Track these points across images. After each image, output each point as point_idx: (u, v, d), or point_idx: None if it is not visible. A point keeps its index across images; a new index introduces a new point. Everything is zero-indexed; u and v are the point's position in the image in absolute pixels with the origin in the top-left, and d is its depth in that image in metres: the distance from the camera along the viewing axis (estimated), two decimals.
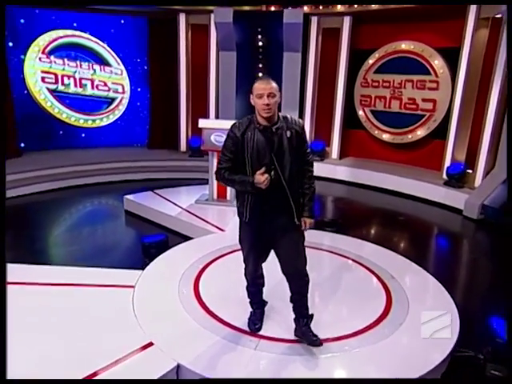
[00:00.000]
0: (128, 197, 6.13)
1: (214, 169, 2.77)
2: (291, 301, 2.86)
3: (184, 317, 3.16)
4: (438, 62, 7.33)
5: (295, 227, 2.70)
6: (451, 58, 7.10)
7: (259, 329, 2.99)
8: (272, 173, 2.52)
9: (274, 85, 2.52)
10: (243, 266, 2.92)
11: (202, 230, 4.99)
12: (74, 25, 8.50)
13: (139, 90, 9.30)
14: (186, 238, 4.91)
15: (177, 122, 9.06)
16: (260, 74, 2.63)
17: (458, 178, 6.89)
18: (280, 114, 2.62)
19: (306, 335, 2.79)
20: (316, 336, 2.76)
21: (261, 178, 2.47)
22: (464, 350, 2.99)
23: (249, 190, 2.56)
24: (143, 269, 3.84)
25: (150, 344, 2.84)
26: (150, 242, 4.46)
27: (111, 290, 3.53)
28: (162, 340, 2.88)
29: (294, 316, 2.90)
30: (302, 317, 2.85)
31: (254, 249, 2.79)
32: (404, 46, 7.67)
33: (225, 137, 2.66)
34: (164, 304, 3.34)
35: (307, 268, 2.76)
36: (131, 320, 3.12)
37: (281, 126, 2.57)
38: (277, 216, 2.65)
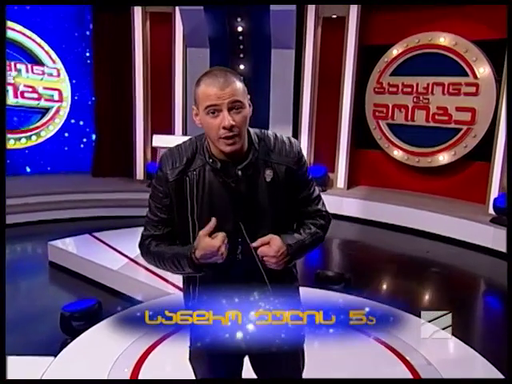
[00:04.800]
0: (54, 243, 5.76)
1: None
2: None
3: None
4: (477, 59, 7.18)
5: None
6: (495, 54, 6.94)
7: None
8: (239, 251, 1.83)
9: (239, 84, 1.74)
10: None
11: (155, 289, 4.60)
12: None
13: (82, 97, 9.22)
14: (134, 303, 4.48)
15: (131, 141, 8.92)
16: (216, 71, 1.76)
17: None
18: (253, 131, 1.87)
19: None
20: None
21: (210, 243, 1.72)
22: None
23: (188, 273, 1.84)
24: (55, 355, 3.46)
25: None
26: (72, 311, 4.05)
27: None
28: None
29: None
30: None
31: (213, 372, 2.07)
32: (431, 38, 7.57)
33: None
34: None
35: None
36: None
37: (254, 162, 1.81)
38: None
